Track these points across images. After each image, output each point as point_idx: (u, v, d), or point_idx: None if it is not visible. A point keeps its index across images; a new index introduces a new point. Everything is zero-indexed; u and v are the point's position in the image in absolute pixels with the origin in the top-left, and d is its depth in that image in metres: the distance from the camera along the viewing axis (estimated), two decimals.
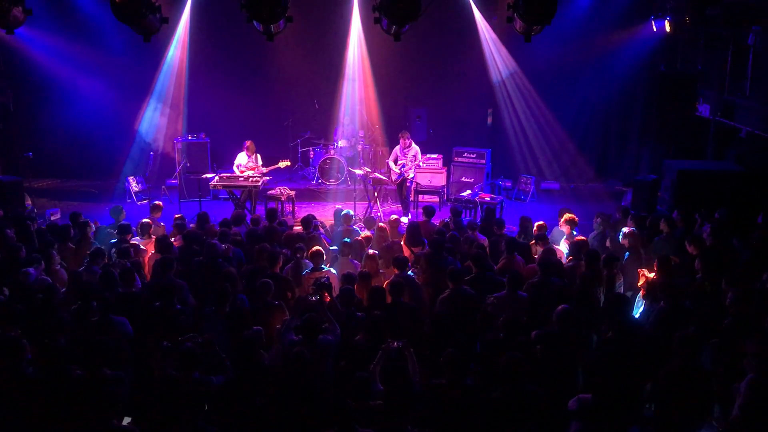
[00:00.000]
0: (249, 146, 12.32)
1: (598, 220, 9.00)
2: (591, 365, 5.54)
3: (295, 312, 6.22)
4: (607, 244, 8.51)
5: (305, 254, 7.80)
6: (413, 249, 8.53)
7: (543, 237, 8.39)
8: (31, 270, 7.02)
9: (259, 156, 12.41)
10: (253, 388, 4.99)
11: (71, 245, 8.36)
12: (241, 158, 12.31)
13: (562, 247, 8.33)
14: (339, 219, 9.44)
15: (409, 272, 7.39)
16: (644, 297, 6.77)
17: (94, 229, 8.85)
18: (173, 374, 5.10)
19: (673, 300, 6.20)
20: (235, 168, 12.26)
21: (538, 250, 8.15)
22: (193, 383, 5.00)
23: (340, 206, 10.66)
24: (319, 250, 7.56)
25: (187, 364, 5.12)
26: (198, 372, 5.17)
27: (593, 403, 4.58)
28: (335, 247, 8.31)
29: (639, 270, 7.10)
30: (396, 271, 7.17)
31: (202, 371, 5.23)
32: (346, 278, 6.88)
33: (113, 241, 8.31)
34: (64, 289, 6.94)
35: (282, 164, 12.63)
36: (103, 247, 7.93)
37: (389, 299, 6.53)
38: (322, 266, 7.47)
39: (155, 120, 14.41)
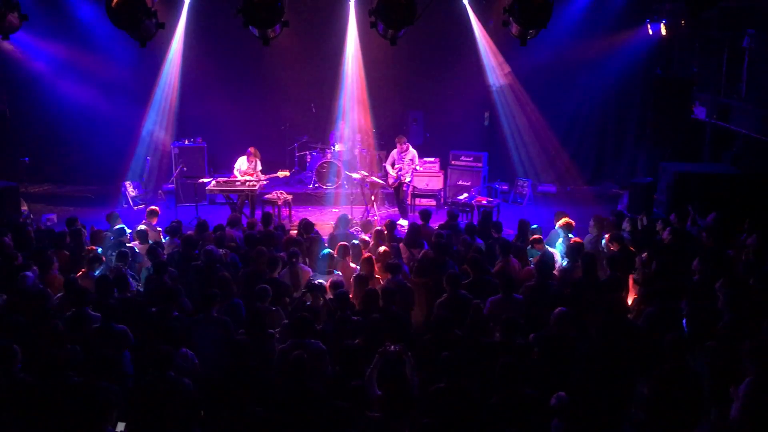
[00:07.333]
0: (252, 152, 12.25)
1: (593, 223, 9.00)
2: (575, 365, 5.55)
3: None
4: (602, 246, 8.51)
5: (300, 259, 7.78)
6: (412, 251, 8.53)
7: (539, 240, 8.39)
8: (29, 274, 6.96)
9: (259, 162, 12.34)
10: (249, 392, 4.97)
11: (66, 252, 8.32)
12: (242, 163, 12.29)
13: (558, 250, 8.34)
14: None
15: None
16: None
17: (88, 234, 8.81)
18: (171, 377, 5.08)
19: (662, 302, 6.20)
20: (235, 172, 12.24)
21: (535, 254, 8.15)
22: (167, 383, 4.98)
23: (337, 210, 10.66)
24: (332, 253, 7.59)
25: (162, 365, 5.09)
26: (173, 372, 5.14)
27: (571, 402, 4.59)
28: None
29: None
30: (389, 276, 7.14)
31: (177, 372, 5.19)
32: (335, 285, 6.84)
33: (111, 245, 8.28)
34: (59, 295, 6.90)
35: (281, 174, 12.60)
36: (99, 252, 7.89)
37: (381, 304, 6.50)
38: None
39: (151, 125, 14.37)
